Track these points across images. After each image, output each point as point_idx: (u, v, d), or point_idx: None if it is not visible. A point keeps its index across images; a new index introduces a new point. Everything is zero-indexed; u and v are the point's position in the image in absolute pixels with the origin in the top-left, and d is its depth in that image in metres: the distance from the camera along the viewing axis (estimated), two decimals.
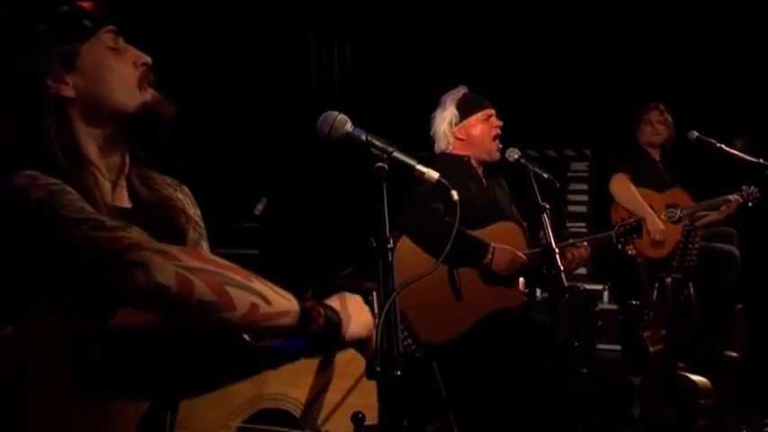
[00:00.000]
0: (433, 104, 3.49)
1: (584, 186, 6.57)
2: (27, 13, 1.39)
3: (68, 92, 1.40)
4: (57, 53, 1.38)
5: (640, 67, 5.61)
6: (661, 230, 4.22)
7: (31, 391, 1.20)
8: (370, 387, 1.29)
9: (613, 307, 5.34)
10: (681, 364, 3.35)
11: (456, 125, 3.38)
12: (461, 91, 3.45)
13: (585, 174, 6.59)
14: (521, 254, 3.13)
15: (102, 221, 1.24)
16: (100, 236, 1.21)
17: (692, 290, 3.61)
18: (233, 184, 5.53)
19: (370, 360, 1.30)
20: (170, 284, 1.19)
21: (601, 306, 5.33)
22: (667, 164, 4.59)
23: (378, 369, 1.25)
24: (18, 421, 1.19)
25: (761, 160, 3.97)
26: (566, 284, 2.72)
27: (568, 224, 6.45)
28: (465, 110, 3.38)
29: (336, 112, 1.49)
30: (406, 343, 2.67)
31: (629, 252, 3.61)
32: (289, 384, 1.41)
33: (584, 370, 4.55)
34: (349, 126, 1.48)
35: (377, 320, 1.34)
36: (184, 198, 1.61)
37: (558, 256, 2.71)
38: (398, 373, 1.25)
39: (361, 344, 1.43)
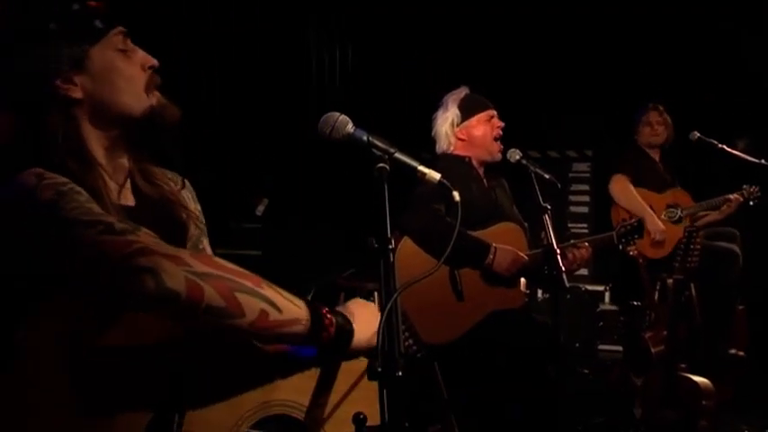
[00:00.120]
0: (435, 105, 3.49)
1: (586, 187, 6.56)
2: (38, 10, 1.37)
3: (76, 93, 1.39)
4: (67, 54, 1.37)
5: (641, 67, 5.61)
6: (661, 230, 4.21)
7: (29, 392, 1.20)
8: (372, 388, 1.28)
9: (615, 308, 5.31)
10: (682, 365, 3.34)
11: (458, 126, 3.37)
12: (463, 91, 3.44)
13: (587, 174, 6.58)
14: (522, 254, 3.13)
15: (111, 224, 1.23)
16: (109, 240, 1.20)
17: (693, 290, 3.60)
18: (234, 185, 5.53)
19: (371, 361, 1.30)
20: (179, 290, 1.18)
21: (602, 307, 5.32)
22: (667, 164, 4.58)
23: (379, 370, 1.25)
24: (18, 421, 1.19)
25: (762, 161, 3.97)
26: (567, 285, 2.72)
27: (570, 225, 6.45)
28: (467, 110, 3.37)
29: (338, 113, 1.49)
30: (407, 344, 2.66)
31: (631, 253, 3.61)
32: (297, 390, 1.41)
33: (586, 371, 4.54)
34: (350, 127, 1.48)
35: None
36: (185, 193, 1.61)
37: (559, 256, 2.71)
38: (400, 373, 1.24)
39: (373, 352, 1.41)
